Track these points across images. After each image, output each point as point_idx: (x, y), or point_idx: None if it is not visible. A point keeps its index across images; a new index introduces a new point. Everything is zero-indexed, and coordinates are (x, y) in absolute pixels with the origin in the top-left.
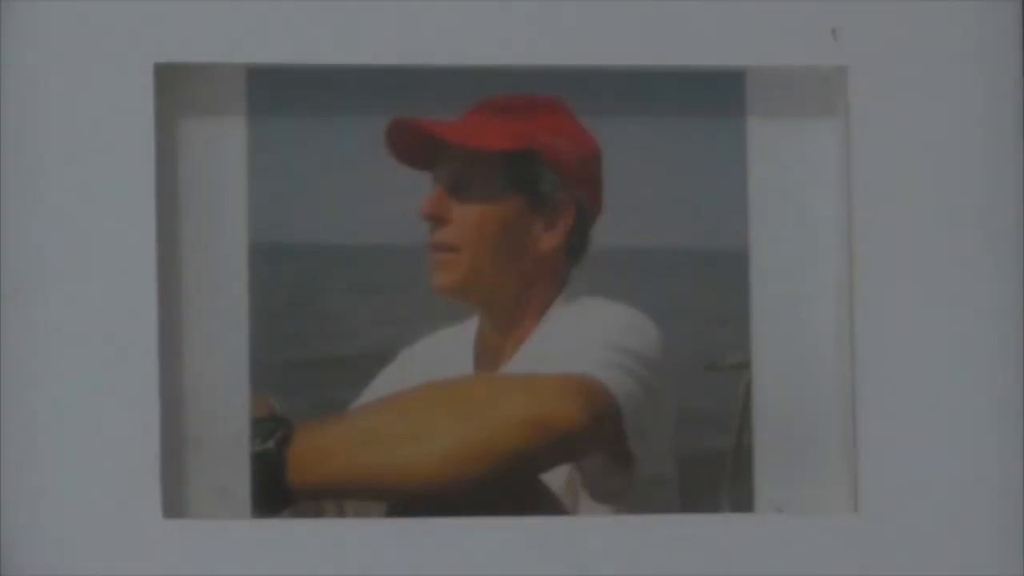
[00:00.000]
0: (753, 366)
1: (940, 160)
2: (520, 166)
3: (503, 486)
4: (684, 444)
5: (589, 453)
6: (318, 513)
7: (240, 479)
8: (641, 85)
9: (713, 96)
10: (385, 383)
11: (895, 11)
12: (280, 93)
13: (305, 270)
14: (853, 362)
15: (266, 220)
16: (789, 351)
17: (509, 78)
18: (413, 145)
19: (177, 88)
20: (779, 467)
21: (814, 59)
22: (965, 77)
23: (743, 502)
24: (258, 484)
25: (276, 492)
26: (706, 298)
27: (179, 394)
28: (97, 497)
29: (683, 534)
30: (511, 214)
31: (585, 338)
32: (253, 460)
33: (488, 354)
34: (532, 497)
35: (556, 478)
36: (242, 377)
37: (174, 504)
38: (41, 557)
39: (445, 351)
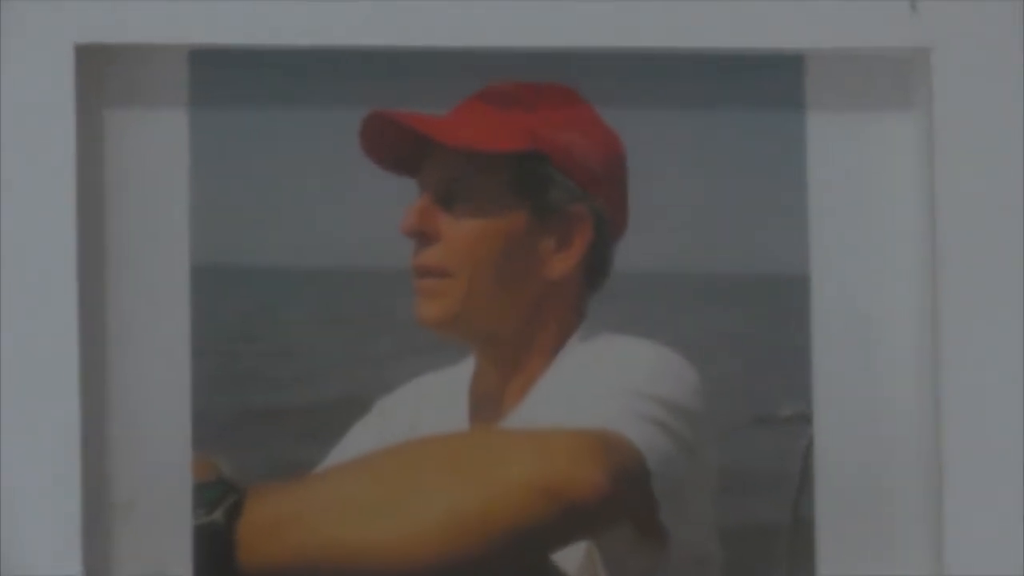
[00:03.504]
0: (815, 419)
1: None
2: (525, 171)
3: (506, 567)
4: (729, 515)
5: (612, 526)
6: None
7: (180, 557)
8: (676, 72)
9: (765, 86)
10: (358, 440)
11: None
12: (229, 81)
13: (260, 299)
14: (938, 413)
15: (212, 236)
16: (859, 400)
17: (512, 63)
18: (394, 144)
19: (104, 74)
20: (846, 543)
21: (889, 39)
22: None
23: None
24: (202, 563)
25: (224, 573)
26: (757, 334)
27: (104, 452)
28: None
29: None
30: (515, 230)
31: (607, 384)
32: (196, 534)
33: (487, 404)
34: None
35: (571, 557)
36: (182, 431)
37: None
38: None
39: (433, 400)
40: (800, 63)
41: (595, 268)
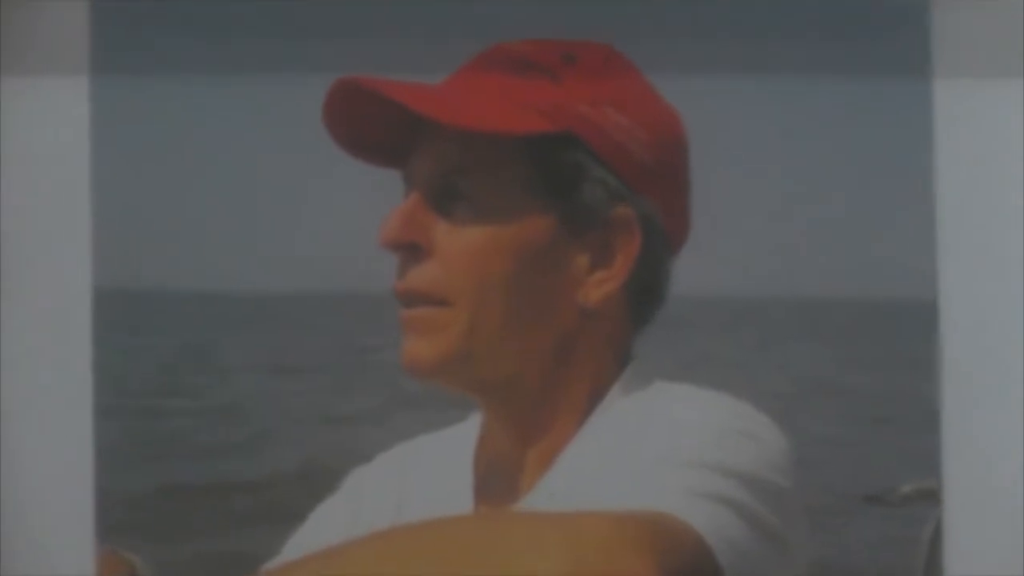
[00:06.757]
0: (944, 498)
1: None
2: (550, 161)
3: None
4: None
5: None
6: None
7: None
8: (755, 30)
9: (879, 47)
10: (325, 525)
11: None
12: (142, 41)
13: (188, 335)
14: None
15: (122, 249)
16: (1002, 473)
17: (530, 15)
18: (370, 124)
19: None
20: None
21: None
22: None
23: None
24: None
25: None
26: (866, 383)
27: None
28: None
29: None
30: (535, 241)
31: (660, 451)
32: None
33: (499, 477)
34: None
35: None
36: (82, 516)
37: None
38: None
39: (426, 472)
40: (925, 15)
41: (645, 293)
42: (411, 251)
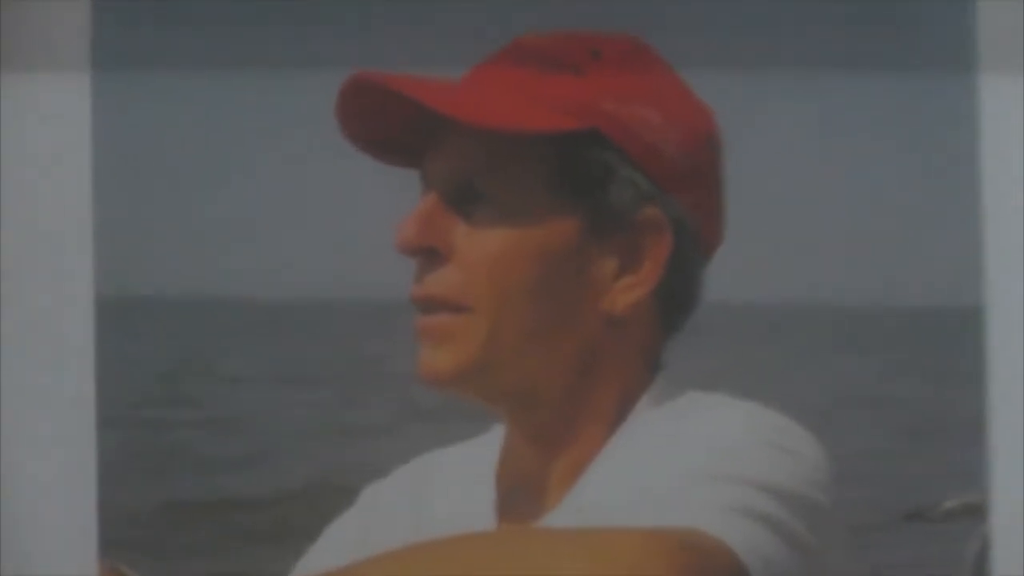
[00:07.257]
0: (992, 513)
1: None
2: (575, 160)
3: None
4: None
5: None
6: None
7: None
8: (791, 23)
9: (918, 38)
10: (338, 544)
11: None
12: (146, 33)
13: (192, 344)
14: None
15: (125, 256)
16: None
17: (552, 7)
18: (385, 122)
19: None
20: None
21: None
22: None
23: None
24: None
25: None
26: (908, 393)
27: None
28: None
29: None
30: (559, 245)
31: (692, 465)
32: None
33: (522, 493)
34: None
35: None
36: (85, 531)
37: None
38: None
39: (445, 487)
40: (969, 6)
41: (675, 299)
42: (429, 255)
